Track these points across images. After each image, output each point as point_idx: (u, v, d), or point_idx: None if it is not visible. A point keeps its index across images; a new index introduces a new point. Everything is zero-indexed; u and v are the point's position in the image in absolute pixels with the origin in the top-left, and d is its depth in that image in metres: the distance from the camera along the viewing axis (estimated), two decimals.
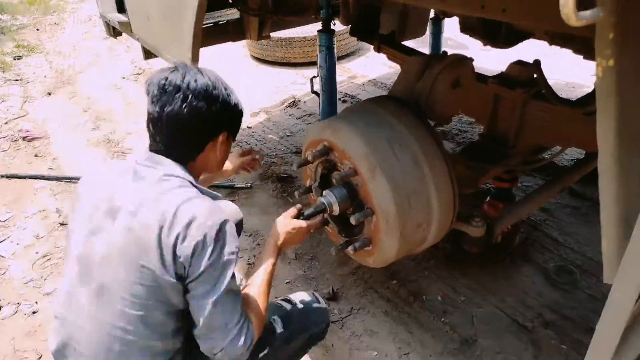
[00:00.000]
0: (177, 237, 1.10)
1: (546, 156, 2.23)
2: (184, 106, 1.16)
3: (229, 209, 1.85)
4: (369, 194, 1.46)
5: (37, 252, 2.52)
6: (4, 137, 3.67)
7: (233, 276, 1.17)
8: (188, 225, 1.10)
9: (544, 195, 1.98)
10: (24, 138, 3.63)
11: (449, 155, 1.60)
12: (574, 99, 1.92)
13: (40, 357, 1.96)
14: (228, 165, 1.72)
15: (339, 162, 1.56)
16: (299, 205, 1.49)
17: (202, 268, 1.11)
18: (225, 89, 1.24)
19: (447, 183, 1.55)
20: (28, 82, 4.76)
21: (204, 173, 1.35)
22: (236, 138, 1.35)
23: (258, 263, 1.38)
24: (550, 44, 2.05)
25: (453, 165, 1.59)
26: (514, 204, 1.98)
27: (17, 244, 2.61)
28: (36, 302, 2.22)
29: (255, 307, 1.26)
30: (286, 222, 1.43)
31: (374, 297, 2.15)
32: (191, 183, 1.21)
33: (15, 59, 5.37)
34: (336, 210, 1.54)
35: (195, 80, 1.18)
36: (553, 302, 2.07)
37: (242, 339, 1.16)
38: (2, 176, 3.18)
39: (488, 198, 2.19)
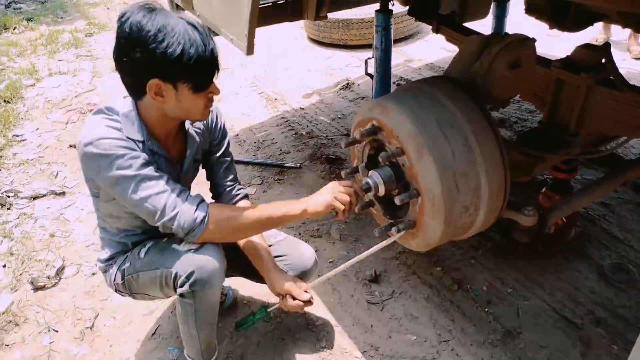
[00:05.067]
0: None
1: (609, 147, 2.11)
2: (115, 46, 1.27)
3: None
4: (415, 174, 1.43)
5: None
6: (74, 110, 3.90)
7: (138, 182, 1.30)
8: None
9: (603, 187, 1.87)
10: (91, 111, 3.85)
11: (503, 140, 1.54)
12: None
13: (97, 316, 2.09)
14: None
15: (386, 141, 1.54)
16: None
17: (104, 187, 1.36)
18: (158, 34, 1.19)
19: (499, 168, 1.50)
20: (97, 58, 5.02)
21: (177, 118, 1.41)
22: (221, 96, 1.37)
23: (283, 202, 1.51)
24: (624, 27, 1.91)
25: (507, 151, 1.53)
26: (570, 195, 1.88)
27: (82, 209, 2.78)
28: (96, 264, 2.37)
29: (230, 211, 1.46)
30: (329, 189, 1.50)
31: (417, 282, 2.14)
32: (127, 115, 1.34)
33: (86, 36, 5.68)
34: (381, 190, 1.53)
35: (131, 22, 1.21)
36: (606, 300, 1.97)
37: (176, 221, 1.34)
38: (71, 146, 3.39)
39: (544, 189, 2.10)
